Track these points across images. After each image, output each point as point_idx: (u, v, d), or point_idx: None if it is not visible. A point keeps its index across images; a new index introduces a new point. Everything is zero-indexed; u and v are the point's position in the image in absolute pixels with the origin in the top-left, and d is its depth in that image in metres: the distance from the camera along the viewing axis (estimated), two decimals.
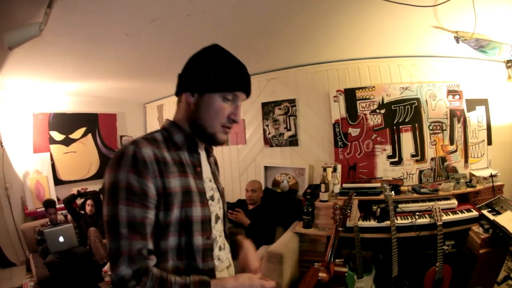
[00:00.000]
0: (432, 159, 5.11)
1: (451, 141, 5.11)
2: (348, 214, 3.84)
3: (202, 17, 3.35)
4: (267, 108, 5.83)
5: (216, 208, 1.55)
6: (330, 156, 5.32)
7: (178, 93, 1.55)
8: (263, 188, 5.39)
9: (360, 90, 5.14)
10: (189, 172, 1.42)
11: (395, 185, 4.66)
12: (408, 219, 4.18)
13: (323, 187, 4.53)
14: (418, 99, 5.06)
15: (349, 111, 5.16)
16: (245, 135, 6.24)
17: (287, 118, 5.66)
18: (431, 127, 5.08)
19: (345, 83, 5.23)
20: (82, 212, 5.98)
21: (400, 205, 4.37)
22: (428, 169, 5.10)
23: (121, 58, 4.53)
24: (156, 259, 1.28)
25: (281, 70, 5.61)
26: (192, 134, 1.48)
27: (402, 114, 5.08)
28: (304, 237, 4.55)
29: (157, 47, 4.20)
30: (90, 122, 7.45)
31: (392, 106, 5.07)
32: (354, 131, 5.22)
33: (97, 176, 7.38)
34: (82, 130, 7.29)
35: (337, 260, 3.75)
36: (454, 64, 5.21)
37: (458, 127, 5.14)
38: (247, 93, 1.55)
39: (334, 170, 4.91)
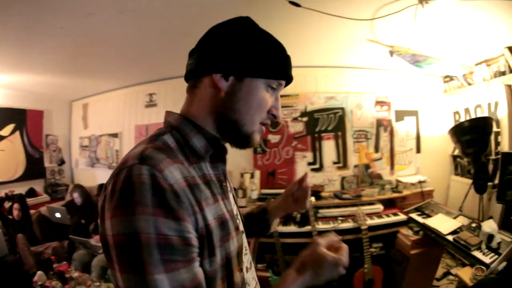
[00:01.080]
0: (355, 166, 5.32)
1: (376, 149, 5.41)
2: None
3: (134, 16, 3.33)
4: None
5: (241, 226, 1.18)
6: (249, 162, 5.31)
7: (194, 76, 1.08)
8: None
9: (283, 98, 4.90)
10: (216, 192, 1.02)
11: (316, 191, 4.80)
12: (330, 223, 4.29)
13: (240, 193, 4.57)
14: (343, 109, 5.26)
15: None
16: None
17: None
18: (355, 136, 5.30)
19: None
20: (10, 217, 5.53)
21: (321, 211, 4.50)
22: (351, 175, 5.29)
23: (55, 52, 4.35)
24: None
25: None
26: (216, 136, 1.07)
27: (325, 122, 5.23)
28: None
29: (89, 43, 4.08)
30: (19, 119, 6.82)
31: (315, 114, 5.21)
32: (274, 138, 5.26)
33: (24, 178, 6.81)
34: (11, 127, 6.67)
35: (259, 265, 3.90)
36: (385, 76, 5.49)
37: (384, 136, 5.45)
38: (289, 82, 1.15)
39: (252, 176, 4.91)
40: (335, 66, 5.27)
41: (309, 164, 5.24)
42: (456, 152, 5.33)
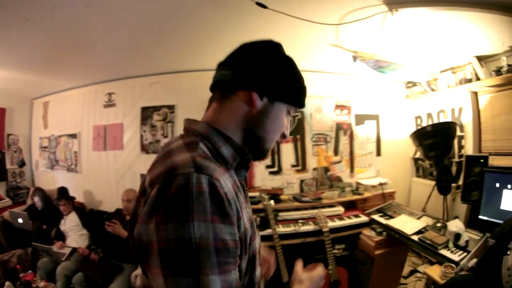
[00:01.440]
0: (314, 169, 5.29)
1: (336, 152, 5.42)
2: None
3: (100, 10, 3.15)
4: (146, 113, 5.44)
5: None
6: None
7: (229, 88, 1.13)
8: None
9: None
10: (243, 196, 1.11)
11: (275, 194, 4.71)
12: (291, 226, 4.23)
13: None
14: (302, 112, 5.20)
15: None
16: (123, 140, 5.68)
17: (165, 124, 5.34)
18: (314, 139, 5.27)
19: None
20: None
21: (281, 214, 4.40)
22: (310, 178, 5.26)
23: (21, 45, 4.08)
24: None
25: (165, 74, 5.31)
26: (242, 146, 1.12)
27: None
28: None
29: (54, 37, 3.84)
30: None
31: None
32: None
33: None
34: None
35: None
36: (346, 81, 5.50)
37: (344, 140, 5.46)
38: (301, 108, 1.28)
39: None
40: None
41: (268, 167, 5.14)
42: (418, 155, 5.42)
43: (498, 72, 4.00)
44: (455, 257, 2.93)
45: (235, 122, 1.11)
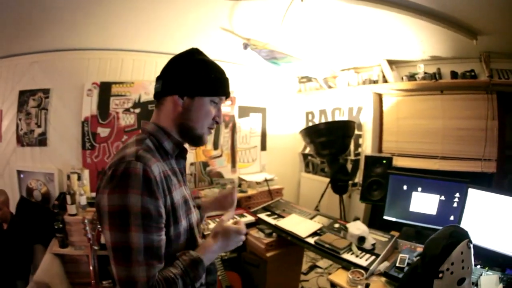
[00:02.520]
0: (191, 164, 4.90)
1: (215, 146, 5.12)
2: (101, 229, 3.12)
3: None
4: (23, 98, 4.48)
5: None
6: (78, 160, 4.40)
7: (160, 96, 1.46)
8: (18, 198, 4.30)
9: (117, 85, 4.45)
10: (180, 180, 1.45)
11: None
12: None
13: (68, 198, 3.81)
14: None
15: (100, 108, 4.37)
16: (1, 130, 4.67)
17: (39, 111, 4.42)
18: None
19: (104, 75, 4.45)
20: None
21: None
22: (188, 174, 4.82)
23: None
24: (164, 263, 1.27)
25: (45, 52, 4.39)
26: (180, 140, 1.46)
27: None
28: (66, 257, 3.85)
29: None
30: None
31: (149, 106, 4.55)
32: (103, 131, 4.41)
33: None
34: None
35: (104, 282, 3.61)
36: (231, 70, 5.13)
37: (225, 132, 5.21)
38: (228, 97, 1.54)
39: (79, 177, 4.09)
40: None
41: None
42: (308, 150, 5.34)
43: (412, 77, 4.20)
44: (362, 261, 2.68)
45: (170, 121, 1.43)
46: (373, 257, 2.73)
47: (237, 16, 3.39)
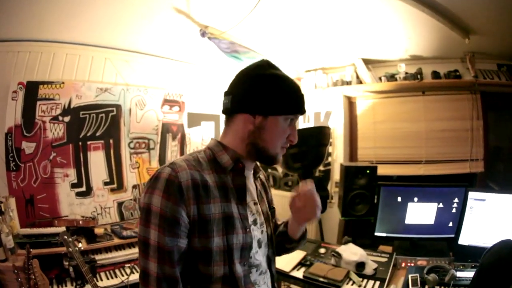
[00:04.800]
0: (134, 186, 4.30)
1: (161, 163, 4.50)
2: (34, 280, 2.86)
3: None
4: None
5: (258, 233, 1.46)
6: (4, 184, 3.58)
7: (230, 113, 1.42)
8: None
9: (45, 86, 3.67)
10: (231, 197, 1.35)
11: (87, 228, 3.62)
12: (117, 275, 3.33)
13: None
14: (118, 106, 4.15)
15: (25, 115, 3.58)
16: None
17: None
18: (132, 145, 4.29)
19: (32, 73, 3.66)
20: None
21: (99, 257, 3.40)
22: (131, 199, 4.23)
23: None
24: (200, 283, 1.29)
25: None
26: (238, 157, 1.38)
27: (93, 125, 4.02)
28: None
29: None
30: None
31: (81, 112, 3.90)
32: (28, 147, 3.58)
33: None
34: None
35: None
36: (181, 69, 4.73)
37: (173, 145, 4.70)
38: (303, 113, 1.49)
39: (1, 211, 3.18)
40: (120, 48, 4.15)
41: (74, 186, 3.83)
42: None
43: (392, 78, 4.09)
44: None
45: (239, 139, 1.38)
46: (378, 282, 2.60)
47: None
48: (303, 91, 1.43)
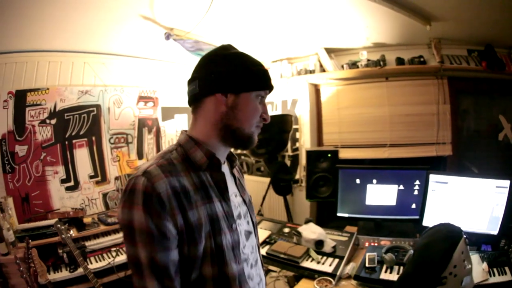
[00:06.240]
0: (116, 178, 4.58)
1: (140, 155, 4.82)
2: (34, 268, 3.13)
3: None
4: None
5: (245, 224, 1.44)
6: (1, 186, 3.86)
7: (198, 98, 1.34)
8: None
9: (32, 93, 3.96)
10: (213, 195, 1.29)
11: (76, 218, 3.88)
12: (105, 258, 3.62)
13: None
14: (98, 106, 4.42)
15: (16, 121, 3.89)
16: None
17: None
18: (112, 140, 4.57)
19: (20, 82, 3.94)
20: None
21: (88, 243, 3.70)
22: (114, 190, 4.53)
23: None
24: None
25: None
26: (212, 152, 1.32)
27: (77, 125, 4.30)
28: None
29: None
30: None
31: (66, 114, 4.16)
32: (21, 150, 3.90)
33: None
34: None
35: None
36: (153, 67, 4.91)
37: (149, 138, 4.93)
38: (271, 89, 1.43)
39: (2, 210, 3.55)
40: (96, 52, 4.34)
41: (63, 181, 4.13)
42: (239, 150, 4.99)
43: (354, 65, 4.12)
44: (326, 267, 2.58)
45: (210, 125, 1.32)
46: (337, 260, 2.64)
47: (159, 3, 3.17)
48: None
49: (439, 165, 3.99)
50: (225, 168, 1.44)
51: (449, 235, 1.77)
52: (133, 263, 1.17)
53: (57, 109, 4.08)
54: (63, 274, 3.39)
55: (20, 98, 3.87)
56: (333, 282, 2.32)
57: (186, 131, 1.40)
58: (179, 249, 1.19)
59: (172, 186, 1.17)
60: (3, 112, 3.77)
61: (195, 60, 4.06)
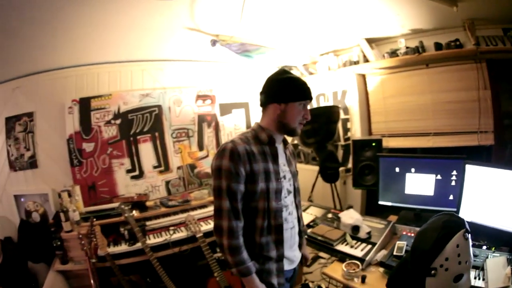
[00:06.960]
0: (179, 167, 4.92)
1: (200, 147, 5.09)
2: (95, 242, 3.57)
3: None
4: (10, 124, 4.49)
5: (287, 185, 2.13)
6: (68, 177, 4.40)
7: (265, 104, 2.08)
8: (18, 221, 4.35)
9: (96, 99, 4.42)
10: (269, 159, 2.02)
11: (140, 202, 4.29)
12: (162, 236, 3.93)
13: (62, 216, 3.84)
14: (159, 106, 4.78)
15: (82, 123, 4.35)
16: None
17: (26, 135, 4.46)
18: (174, 135, 4.90)
19: (82, 91, 4.41)
20: None
21: (149, 222, 4.03)
22: (176, 178, 4.89)
23: None
24: (247, 217, 1.97)
25: (25, 77, 4.42)
26: (271, 134, 2.06)
27: (140, 123, 4.68)
28: (68, 274, 3.81)
29: None
30: None
31: (129, 115, 4.58)
32: (88, 147, 4.41)
33: None
34: None
35: None
36: (208, 68, 5.16)
37: (208, 132, 5.17)
38: (311, 99, 2.09)
39: (69, 194, 4.09)
40: (152, 59, 4.74)
41: (128, 171, 4.60)
42: (296, 141, 5.15)
43: (393, 54, 4.06)
44: (358, 252, 2.65)
45: (271, 120, 2.06)
46: (369, 246, 2.69)
47: (199, 15, 3.32)
48: (310, 83, 2.12)
49: (484, 155, 3.65)
50: (279, 147, 2.13)
51: (446, 224, 1.71)
52: (217, 190, 1.86)
53: (120, 111, 4.49)
54: (122, 247, 3.76)
55: (85, 104, 4.34)
56: (361, 267, 2.41)
57: (257, 122, 2.09)
58: (245, 184, 1.89)
59: (246, 149, 1.89)
60: (69, 117, 4.27)
61: (246, 59, 4.61)
